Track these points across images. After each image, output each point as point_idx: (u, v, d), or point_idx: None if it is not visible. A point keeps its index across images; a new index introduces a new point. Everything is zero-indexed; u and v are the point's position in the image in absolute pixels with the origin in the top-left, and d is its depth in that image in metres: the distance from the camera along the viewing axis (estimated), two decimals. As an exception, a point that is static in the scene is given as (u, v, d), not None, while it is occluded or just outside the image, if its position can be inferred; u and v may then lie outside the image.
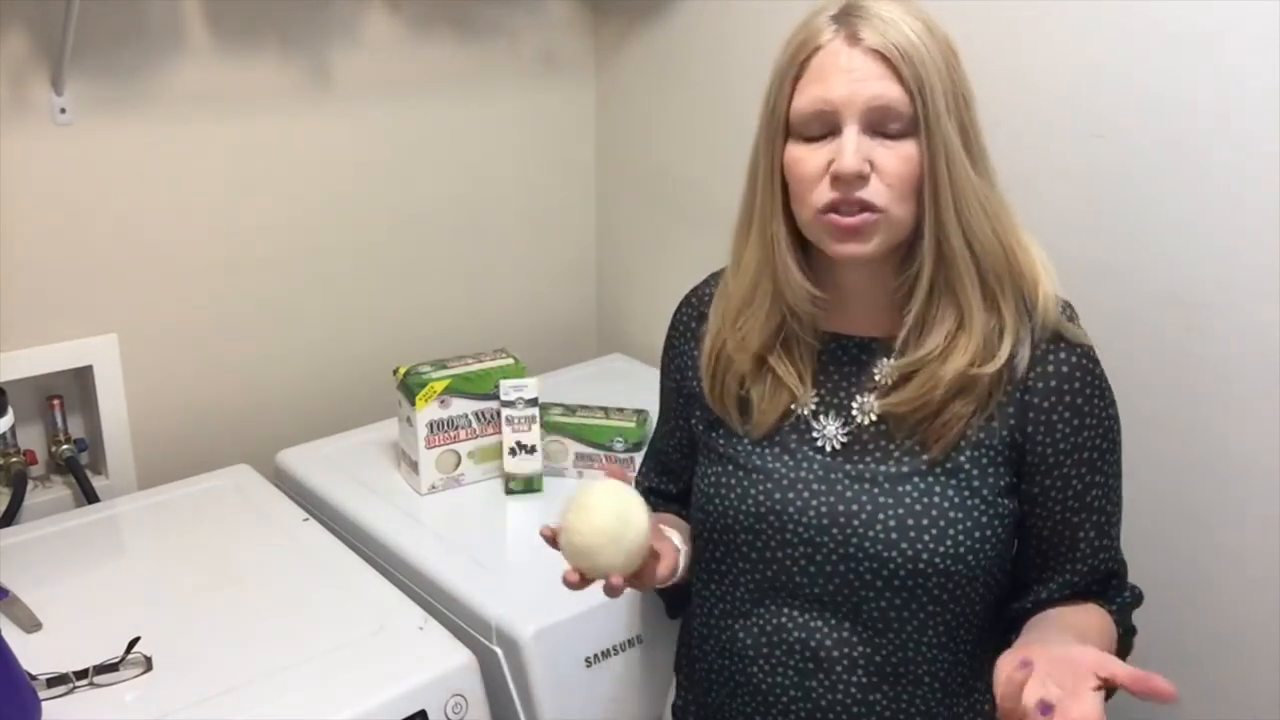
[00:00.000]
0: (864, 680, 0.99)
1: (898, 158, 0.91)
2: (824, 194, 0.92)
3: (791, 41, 0.94)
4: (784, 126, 0.94)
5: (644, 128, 1.89)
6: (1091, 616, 1.01)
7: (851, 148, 0.90)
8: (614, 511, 0.91)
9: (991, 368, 0.94)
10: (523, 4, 1.83)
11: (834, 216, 0.92)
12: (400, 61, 1.72)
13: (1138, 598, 1.05)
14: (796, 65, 0.93)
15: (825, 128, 0.92)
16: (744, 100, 1.73)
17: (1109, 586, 1.03)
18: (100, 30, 1.44)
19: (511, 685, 1.18)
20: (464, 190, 1.85)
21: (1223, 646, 1.25)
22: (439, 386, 1.45)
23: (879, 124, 0.91)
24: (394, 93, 1.73)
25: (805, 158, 0.93)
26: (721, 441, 1.06)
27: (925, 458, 0.97)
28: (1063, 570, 1.00)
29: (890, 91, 0.90)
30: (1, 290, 1.44)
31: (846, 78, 0.90)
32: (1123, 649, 1.04)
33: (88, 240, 1.50)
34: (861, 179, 0.90)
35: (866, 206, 0.91)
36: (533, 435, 1.46)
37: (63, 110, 1.44)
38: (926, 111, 0.90)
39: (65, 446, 1.54)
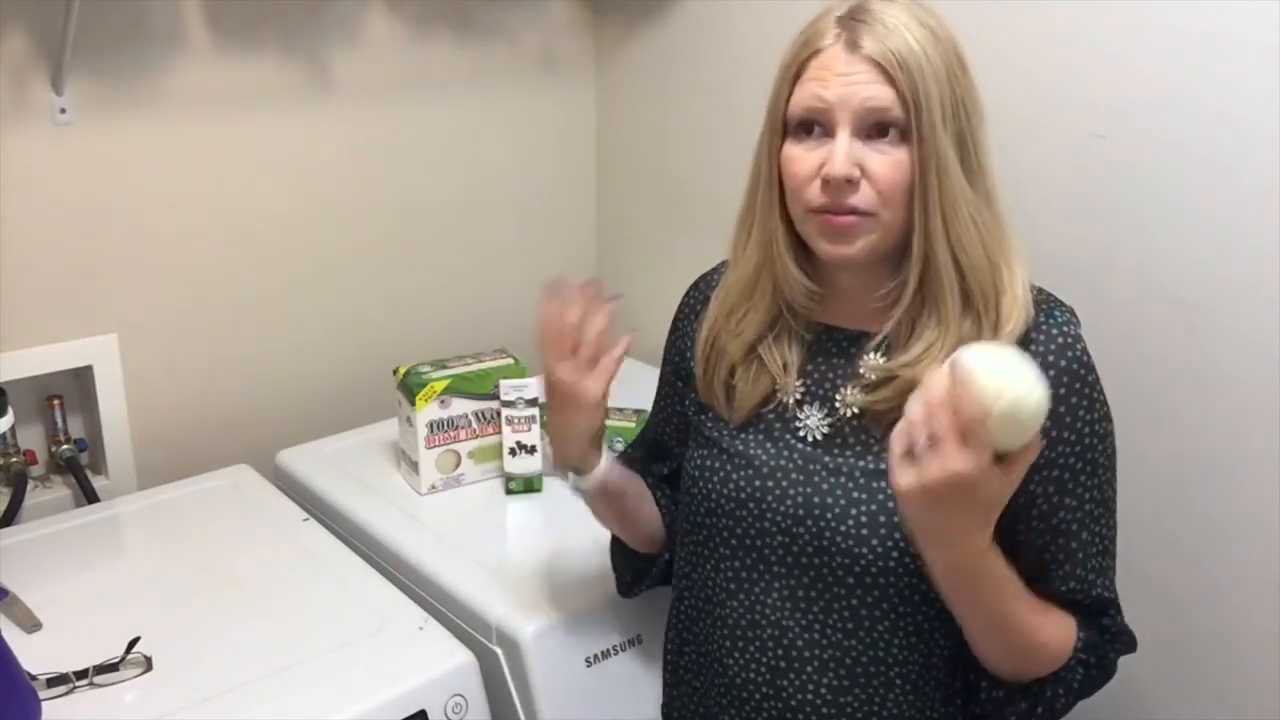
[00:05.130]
0: (834, 682, 0.99)
1: (889, 163, 0.91)
2: (815, 196, 0.93)
3: (796, 40, 0.95)
4: (782, 124, 0.95)
5: (644, 128, 1.89)
6: (1053, 613, 0.95)
7: (843, 152, 0.90)
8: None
9: None
10: (523, 4, 1.83)
11: (825, 215, 0.93)
12: (400, 61, 1.72)
13: (1120, 639, 0.99)
14: (797, 64, 0.94)
15: (819, 128, 0.92)
16: (744, 100, 1.73)
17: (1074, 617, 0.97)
18: (100, 30, 1.44)
19: (511, 685, 1.18)
20: (464, 190, 1.85)
21: (1224, 647, 1.25)
22: (439, 386, 1.45)
23: (872, 129, 0.91)
24: (394, 93, 1.73)
25: (799, 157, 0.94)
26: (709, 425, 1.07)
27: None
28: None
29: (883, 97, 0.90)
30: (1, 290, 1.44)
31: (842, 80, 0.91)
32: (1079, 681, 0.96)
33: (88, 240, 1.50)
34: (850, 184, 0.91)
35: (855, 210, 0.92)
36: (533, 435, 1.46)
37: (63, 110, 1.44)
38: (920, 120, 0.90)
39: (65, 446, 1.54)
